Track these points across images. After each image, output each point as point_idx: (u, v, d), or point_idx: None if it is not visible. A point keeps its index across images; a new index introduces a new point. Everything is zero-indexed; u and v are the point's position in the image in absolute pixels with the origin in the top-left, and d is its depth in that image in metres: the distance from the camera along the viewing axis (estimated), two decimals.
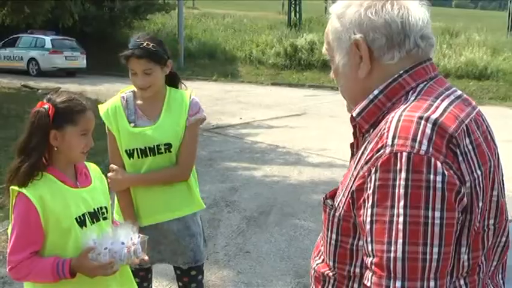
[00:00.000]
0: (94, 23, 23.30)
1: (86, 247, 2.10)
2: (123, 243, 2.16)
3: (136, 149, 2.70)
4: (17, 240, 2.06)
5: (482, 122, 1.34)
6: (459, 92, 1.37)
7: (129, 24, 25.03)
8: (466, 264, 1.27)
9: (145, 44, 2.68)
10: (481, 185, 1.24)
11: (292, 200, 6.36)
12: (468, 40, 17.71)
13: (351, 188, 1.30)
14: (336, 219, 1.36)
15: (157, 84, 2.74)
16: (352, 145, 1.47)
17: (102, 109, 2.81)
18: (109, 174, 2.74)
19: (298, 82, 16.78)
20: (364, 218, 1.24)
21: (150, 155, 2.72)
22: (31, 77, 20.27)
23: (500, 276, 1.42)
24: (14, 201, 2.09)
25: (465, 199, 1.20)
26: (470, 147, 1.24)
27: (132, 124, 2.72)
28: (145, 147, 2.71)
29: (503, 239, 1.36)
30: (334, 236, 1.38)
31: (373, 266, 1.20)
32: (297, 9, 23.55)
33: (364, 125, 1.36)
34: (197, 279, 2.93)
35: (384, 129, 1.24)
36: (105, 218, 2.24)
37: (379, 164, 1.20)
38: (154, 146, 2.70)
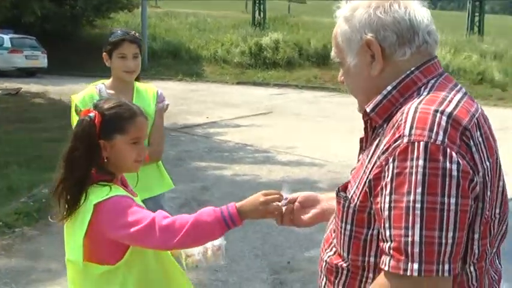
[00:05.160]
0: (55, 21, 22.78)
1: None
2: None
3: None
4: (137, 214, 1.87)
5: (486, 117, 1.41)
6: (464, 89, 1.44)
7: (91, 22, 24.67)
8: (476, 251, 1.34)
9: (133, 33, 3.07)
10: (490, 176, 1.31)
11: None
12: None
13: (367, 178, 1.36)
14: (350, 210, 1.41)
15: (138, 71, 3.06)
16: (361, 140, 1.53)
17: (77, 98, 3.03)
18: None
19: (263, 81, 16.86)
20: (382, 205, 1.29)
21: None
22: None
23: (497, 261, 1.49)
24: (93, 216, 1.92)
25: (477, 188, 1.27)
26: (480, 139, 1.31)
27: None
28: None
29: (504, 227, 1.44)
30: (348, 227, 1.43)
31: (391, 251, 1.25)
32: (261, 8, 23.63)
33: (377, 120, 1.42)
34: None
35: (401, 120, 1.29)
36: None
37: (397, 153, 1.26)
38: None
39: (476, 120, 1.32)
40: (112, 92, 3.03)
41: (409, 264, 1.23)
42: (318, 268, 1.64)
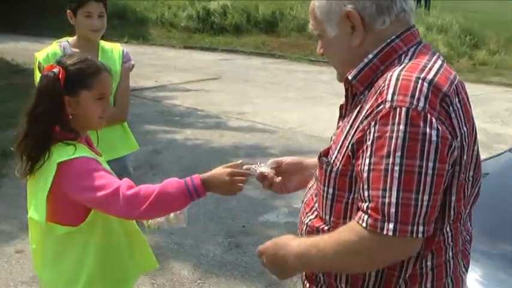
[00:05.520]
0: None
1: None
2: None
3: None
4: (103, 178, 1.85)
5: (463, 85, 1.46)
6: (441, 57, 1.49)
7: None
8: (452, 212, 1.40)
9: None
10: (467, 140, 1.37)
11: (216, 163, 6.27)
12: None
13: (349, 142, 1.39)
14: (333, 174, 1.45)
15: (104, 30, 3.01)
16: (341, 107, 1.58)
17: (40, 55, 2.96)
18: None
19: (211, 46, 16.63)
20: (362, 167, 1.33)
21: None
22: None
23: (469, 223, 1.57)
24: (57, 175, 1.89)
25: (456, 152, 1.32)
26: (459, 105, 1.36)
27: None
28: None
29: (476, 189, 1.51)
30: (331, 191, 1.46)
31: (369, 210, 1.30)
32: None
33: (359, 87, 1.46)
34: None
35: (384, 86, 1.33)
36: None
37: (378, 117, 1.30)
38: None
39: (455, 87, 1.38)
40: (76, 50, 2.96)
41: (385, 223, 1.28)
42: (297, 231, 1.67)
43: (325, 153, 1.52)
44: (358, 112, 1.42)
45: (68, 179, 1.90)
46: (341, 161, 1.42)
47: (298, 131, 7.86)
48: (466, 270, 1.56)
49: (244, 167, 1.86)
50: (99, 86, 1.97)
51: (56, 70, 1.92)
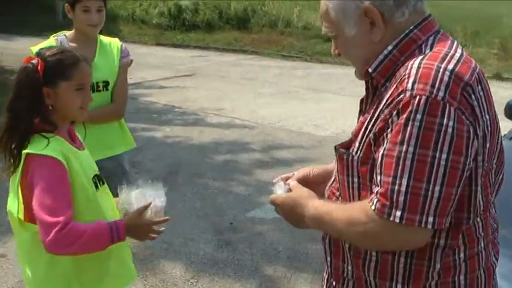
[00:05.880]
0: None
1: (143, 204, 1.95)
2: (160, 199, 2.05)
3: None
4: (55, 201, 1.81)
5: (483, 73, 1.44)
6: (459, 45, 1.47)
7: None
8: (481, 202, 1.39)
9: None
10: (490, 128, 1.36)
11: (198, 160, 6.34)
12: None
13: (369, 131, 1.38)
14: (355, 163, 1.44)
15: (102, 24, 2.92)
16: (362, 101, 1.55)
17: (36, 48, 2.80)
18: None
19: (183, 43, 16.49)
20: (379, 153, 1.33)
21: None
22: None
23: (493, 210, 1.55)
24: (24, 166, 1.87)
25: (477, 142, 1.31)
26: (482, 93, 1.35)
27: None
28: None
29: (500, 176, 1.50)
30: (356, 180, 1.45)
31: (378, 195, 1.30)
32: None
33: (380, 79, 1.44)
34: None
35: (404, 75, 1.32)
36: (104, 182, 2.11)
37: (400, 106, 1.29)
38: (93, 83, 2.78)
39: (477, 75, 1.37)
40: (74, 45, 2.87)
41: (393, 210, 1.28)
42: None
43: (342, 145, 1.50)
44: (379, 102, 1.40)
45: (31, 171, 1.88)
46: (362, 150, 1.41)
47: (278, 126, 7.84)
48: (497, 260, 1.55)
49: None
50: (78, 76, 1.95)
51: (34, 61, 1.91)
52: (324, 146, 6.98)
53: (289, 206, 1.60)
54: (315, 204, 1.53)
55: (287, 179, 1.76)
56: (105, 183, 2.13)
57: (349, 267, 1.52)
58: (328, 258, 1.59)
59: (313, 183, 1.74)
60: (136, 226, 1.96)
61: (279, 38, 16.88)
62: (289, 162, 6.26)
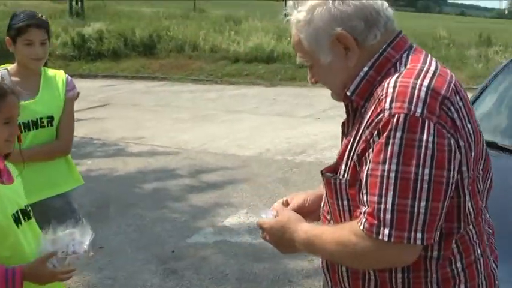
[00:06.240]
0: None
1: (45, 253, 1.89)
2: (82, 243, 1.99)
3: (19, 123, 2.57)
4: None
5: (460, 82, 1.47)
6: (433, 57, 1.50)
7: None
8: (471, 210, 1.42)
9: (39, 15, 2.78)
10: (473, 137, 1.39)
11: (127, 191, 6.22)
12: (251, 27, 18.69)
13: (353, 153, 1.40)
14: (343, 187, 1.44)
15: (46, 57, 2.81)
16: (343, 124, 1.56)
17: None
18: None
19: (90, 73, 16.14)
20: (363, 174, 1.35)
21: (33, 129, 2.73)
22: None
23: (487, 215, 1.59)
24: None
25: (458, 154, 1.32)
26: (460, 103, 1.37)
27: None
28: (28, 121, 2.70)
29: (488, 181, 1.53)
30: (345, 203, 1.46)
31: (366, 215, 1.32)
32: None
33: (359, 101, 1.45)
34: None
35: (382, 95, 1.34)
36: (31, 217, 2.03)
37: (380, 126, 1.31)
38: (37, 119, 2.73)
39: (454, 86, 1.38)
40: (17, 79, 2.76)
41: (381, 228, 1.30)
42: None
43: (328, 169, 1.51)
44: (360, 124, 1.42)
45: None
46: (348, 172, 1.42)
47: (201, 150, 7.84)
48: (496, 266, 1.56)
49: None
50: (5, 109, 1.94)
51: None
52: (250, 165, 7.07)
53: (278, 231, 1.57)
54: (303, 229, 1.51)
55: (285, 205, 1.74)
56: (32, 219, 2.06)
57: (347, 284, 1.52)
58: (330, 283, 1.60)
59: (309, 212, 1.72)
60: (36, 275, 1.89)
61: (187, 62, 16.91)
62: (219, 185, 6.29)
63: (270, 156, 7.55)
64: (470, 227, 1.44)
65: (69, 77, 2.95)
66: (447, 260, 1.41)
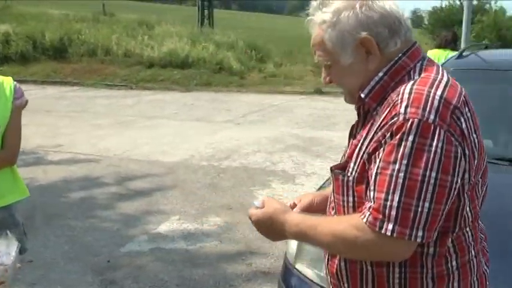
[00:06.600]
0: None
1: None
2: (9, 254, 1.94)
3: None
4: None
5: (468, 95, 1.57)
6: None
7: None
8: (469, 214, 1.53)
9: None
10: (477, 146, 1.49)
11: (51, 200, 6.03)
12: (165, 31, 18.56)
13: (364, 152, 1.49)
14: (350, 183, 1.53)
15: None
16: (353, 126, 1.64)
17: None
18: None
19: None
20: (372, 171, 1.44)
21: None
22: None
23: (480, 220, 1.69)
24: None
25: (464, 162, 1.42)
26: (469, 114, 1.47)
27: None
28: None
29: (484, 188, 1.64)
30: (351, 199, 1.54)
31: (371, 209, 1.41)
32: None
33: (372, 104, 1.54)
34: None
35: (397, 100, 1.43)
36: None
37: (393, 128, 1.40)
38: None
39: (463, 98, 1.47)
40: None
41: (385, 223, 1.38)
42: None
43: (338, 167, 1.59)
44: (372, 125, 1.50)
45: None
46: (357, 170, 1.50)
47: (125, 157, 7.73)
48: (488, 268, 1.65)
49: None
50: None
51: None
52: (177, 171, 7.06)
53: (265, 223, 1.63)
54: (294, 221, 1.57)
55: (292, 207, 1.80)
56: None
57: (346, 285, 1.60)
58: (329, 278, 1.68)
59: (317, 212, 1.78)
60: None
61: (100, 66, 16.56)
62: (147, 192, 6.24)
63: (196, 162, 7.56)
64: (467, 229, 1.54)
65: (17, 84, 2.82)
66: (443, 257, 1.51)
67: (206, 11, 21.83)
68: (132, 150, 8.14)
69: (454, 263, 1.52)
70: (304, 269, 2.61)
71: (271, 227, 1.62)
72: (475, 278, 1.57)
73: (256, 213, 1.65)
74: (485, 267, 1.64)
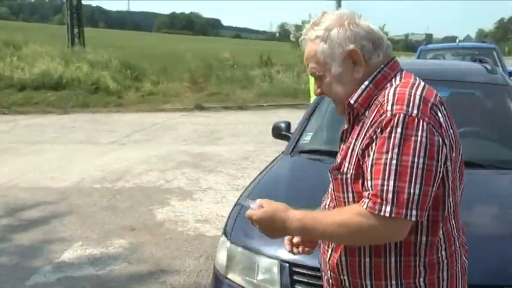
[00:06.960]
0: None
1: None
2: None
3: None
4: None
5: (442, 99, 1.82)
6: None
7: None
8: (451, 203, 1.74)
9: None
10: (454, 140, 1.69)
11: None
12: (34, 52, 17.83)
13: (358, 149, 1.68)
14: (348, 181, 1.72)
15: None
16: (343, 132, 1.84)
17: None
18: None
19: None
20: (367, 163, 1.64)
21: None
22: None
23: (459, 214, 1.88)
24: None
25: (445, 150, 1.62)
26: (445, 112, 1.69)
27: None
28: None
29: (462, 185, 1.84)
30: (350, 195, 1.72)
31: (370, 196, 1.60)
32: None
33: (360, 109, 1.75)
34: None
35: (384, 101, 1.65)
36: None
37: (383, 124, 1.61)
38: None
39: (439, 98, 1.70)
40: None
41: (383, 206, 1.56)
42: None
43: (335, 168, 1.77)
44: (362, 127, 1.70)
45: None
46: (353, 168, 1.69)
47: (12, 186, 7.40)
48: (466, 259, 1.83)
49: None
50: None
51: None
52: (70, 196, 6.89)
53: (267, 221, 1.74)
54: (297, 216, 1.70)
55: None
56: None
57: (345, 278, 1.78)
58: (329, 273, 1.83)
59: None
60: None
61: None
62: (43, 221, 6.02)
63: (88, 185, 7.42)
64: (453, 221, 1.74)
65: None
66: (434, 246, 1.69)
67: (76, 30, 21.21)
68: (18, 178, 7.80)
69: (443, 252, 1.72)
70: (235, 277, 2.75)
71: (272, 225, 1.74)
72: (459, 268, 1.78)
73: (256, 213, 1.76)
74: (465, 259, 1.85)
